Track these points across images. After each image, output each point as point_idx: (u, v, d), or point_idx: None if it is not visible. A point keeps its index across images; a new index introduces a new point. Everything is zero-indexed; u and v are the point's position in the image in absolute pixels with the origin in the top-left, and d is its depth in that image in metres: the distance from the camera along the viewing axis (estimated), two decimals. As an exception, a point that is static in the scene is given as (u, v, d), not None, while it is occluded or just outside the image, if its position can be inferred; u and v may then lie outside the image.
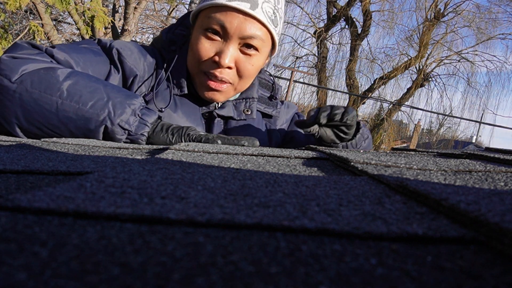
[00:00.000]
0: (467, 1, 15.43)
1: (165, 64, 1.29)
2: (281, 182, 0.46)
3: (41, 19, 5.70)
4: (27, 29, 5.57)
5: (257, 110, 1.42)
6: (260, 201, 0.35)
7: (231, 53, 1.21)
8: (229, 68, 1.23)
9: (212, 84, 1.24)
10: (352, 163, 0.64)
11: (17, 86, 0.99)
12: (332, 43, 16.23)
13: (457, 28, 15.59)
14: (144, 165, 0.53)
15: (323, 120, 1.18)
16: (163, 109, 1.23)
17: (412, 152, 1.01)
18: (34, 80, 1.00)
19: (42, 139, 0.93)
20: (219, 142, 1.01)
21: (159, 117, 1.12)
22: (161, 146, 0.93)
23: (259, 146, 1.03)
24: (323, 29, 15.22)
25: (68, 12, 5.50)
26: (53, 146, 0.84)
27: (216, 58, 1.21)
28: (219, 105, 1.33)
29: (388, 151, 1.01)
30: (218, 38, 1.21)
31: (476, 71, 16.76)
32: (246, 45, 1.22)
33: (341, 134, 1.26)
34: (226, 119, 1.34)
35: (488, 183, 0.56)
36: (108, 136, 1.02)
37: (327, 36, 15.62)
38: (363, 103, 15.79)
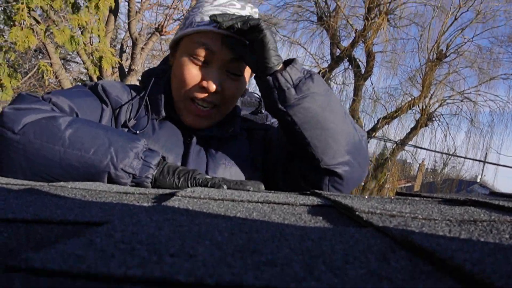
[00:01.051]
0: (469, 42, 15.65)
1: (143, 93, 1.31)
2: (287, 235, 0.46)
3: (50, 59, 5.82)
4: (36, 68, 5.69)
5: (245, 129, 1.39)
6: (267, 259, 0.35)
7: (219, 77, 1.22)
8: (216, 92, 1.23)
9: (198, 110, 1.25)
10: (357, 213, 0.64)
11: (20, 137, 1.01)
12: (336, 83, 16.41)
13: (460, 69, 15.77)
14: (151, 215, 0.54)
15: (225, 23, 1.11)
16: (138, 132, 1.23)
17: (417, 198, 1.01)
18: (36, 130, 1.02)
19: (50, 184, 0.94)
20: (225, 187, 1.01)
21: (163, 157, 1.12)
22: (168, 191, 0.93)
23: (264, 191, 1.03)
24: (327, 69, 15.43)
25: (77, 52, 5.63)
26: (61, 191, 0.84)
27: (204, 83, 1.21)
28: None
29: (392, 197, 1.01)
30: (205, 63, 1.22)
31: (479, 111, 16.78)
32: (231, 69, 1.24)
33: (262, 58, 1.13)
34: (208, 138, 1.32)
35: (493, 235, 0.56)
36: (113, 181, 1.03)
37: (331, 76, 15.82)
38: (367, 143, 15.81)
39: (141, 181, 1.04)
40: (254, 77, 1.22)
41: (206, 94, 1.23)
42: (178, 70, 1.24)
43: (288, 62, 1.16)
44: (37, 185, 0.93)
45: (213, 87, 1.20)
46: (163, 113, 1.29)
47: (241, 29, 1.12)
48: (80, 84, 1.37)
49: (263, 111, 1.44)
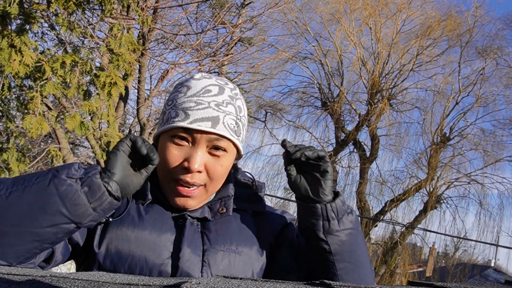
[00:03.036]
0: (472, 125, 15.89)
1: None
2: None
3: (59, 143, 5.92)
4: (45, 152, 5.76)
5: (240, 209, 1.33)
6: None
7: (200, 157, 1.19)
8: (199, 172, 1.20)
9: (183, 190, 1.21)
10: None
11: None
12: (342, 166, 16.48)
13: (464, 151, 15.88)
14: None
15: (296, 152, 1.17)
16: (110, 219, 1.18)
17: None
18: None
19: (51, 274, 0.90)
20: None
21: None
22: (172, 282, 0.88)
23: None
24: (332, 152, 15.57)
25: (86, 137, 5.73)
26: (63, 282, 0.81)
27: (186, 163, 1.19)
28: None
29: (404, 286, 0.95)
30: (186, 143, 1.20)
31: (487, 193, 16.67)
32: (214, 147, 1.21)
33: (317, 186, 1.20)
34: (202, 220, 1.27)
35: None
36: (62, 195, 0.99)
37: (336, 159, 15.94)
38: (375, 226, 15.57)
39: (90, 180, 1.01)
40: (297, 200, 1.24)
41: (189, 175, 1.20)
42: (161, 152, 1.22)
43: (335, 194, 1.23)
44: (38, 276, 0.89)
45: (195, 167, 1.18)
46: (149, 197, 1.25)
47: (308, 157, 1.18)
48: None
49: (260, 194, 1.39)
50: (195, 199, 1.24)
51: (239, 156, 1.31)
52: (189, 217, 1.25)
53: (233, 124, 1.22)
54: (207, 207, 1.28)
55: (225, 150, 1.22)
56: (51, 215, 0.99)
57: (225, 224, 1.29)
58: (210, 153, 1.22)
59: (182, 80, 1.31)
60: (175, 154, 1.20)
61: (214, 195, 1.32)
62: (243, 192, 1.36)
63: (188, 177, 1.20)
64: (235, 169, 1.39)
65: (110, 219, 1.18)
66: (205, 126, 1.17)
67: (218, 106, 1.20)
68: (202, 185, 1.22)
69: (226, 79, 1.31)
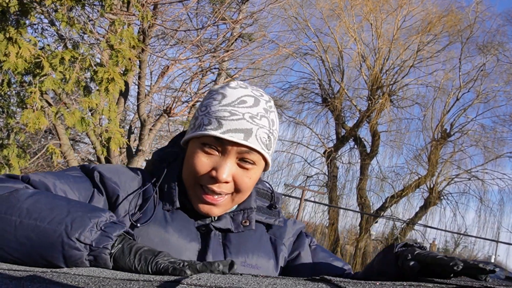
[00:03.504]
0: (472, 121, 15.88)
1: (154, 180, 1.25)
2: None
3: (60, 139, 5.91)
4: (45, 148, 5.76)
5: (259, 222, 1.33)
6: None
7: (229, 168, 1.18)
8: (226, 182, 1.19)
9: (209, 198, 1.20)
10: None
11: None
12: (342, 163, 16.49)
13: (465, 147, 15.88)
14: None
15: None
16: (139, 225, 1.15)
17: (430, 285, 0.94)
18: None
19: (52, 270, 0.89)
20: (188, 272, 0.90)
21: (131, 235, 1.01)
22: (172, 278, 0.87)
23: (237, 268, 0.95)
24: (332, 149, 15.57)
25: (86, 133, 5.72)
26: (64, 278, 0.80)
27: (214, 173, 1.18)
28: (216, 218, 1.26)
29: (405, 283, 0.95)
30: (216, 153, 1.19)
31: (488, 189, 16.67)
32: (243, 159, 1.20)
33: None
34: (224, 231, 1.26)
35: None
36: (67, 257, 0.91)
37: (337, 155, 15.94)
38: (376, 222, 15.58)
39: (98, 253, 0.92)
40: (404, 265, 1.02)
41: (217, 184, 1.19)
42: (190, 157, 1.22)
43: None
44: (39, 271, 0.88)
45: (223, 177, 1.17)
46: (177, 204, 1.23)
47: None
48: (76, 166, 1.28)
49: (277, 206, 1.39)
50: (220, 207, 1.23)
51: (266, 168, 1.30)
52: (213, 227, 1.24)
53: (265, 137, 1.21)
54: (230, 217, 1.28)
55: (254, 163, 1.22)
56: (49, 263, 0.95)
57: (245, 237, 1.28)
58: (239, 165, 1.21)
59: (217, 87, 1.28)
60: (204, 162, 1.19)
61: (237, 205, 1.31)
62: (261, 204, 1.36)
63: (215, 187, 1.19)
64: None
65: (138, 225, 1.16)
66: (237, 137, 1.16)
67: (252, 118, 1.19)
68: (228, 193, 1.22)
69: (261, 90, 1.29)
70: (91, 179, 1.20)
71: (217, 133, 1.17)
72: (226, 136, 1.16)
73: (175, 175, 1.26)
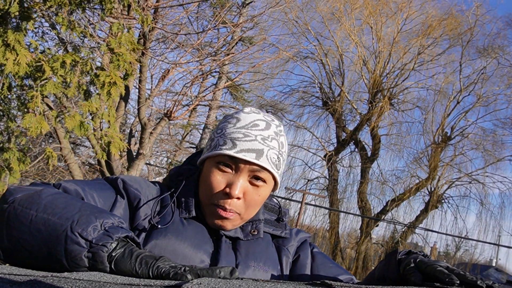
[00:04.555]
0: (473, 124, 15.88)
1: (173, 190, 1.34)
2: None
3: (60, 143, 5.92)
4: (45, 152, 5.77)
5: (266, 232, 1.42)
6: None
7: (241, 185, 1.28)
8: (238, 198, 1.28)
9: (222, 212, 1.28)
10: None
11: (8, 206, 1.05)
12: (343, 166, 16.48)
13: (465, 151, 15.87)
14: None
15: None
16: (159, 226, 1.25)
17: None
18: (23, 199, 1.06)
19: (52, 274, 0.90)
20: (189, 277, 0.91)
21: (136, 243, 1.04)
22: (173, 282, 0.87)
23: (238, 275, 0.97)
24: (333, 152, 15.58)
25: (87, 137, 5.73)
26: (64, 283, 0.80)
27: (227, 189, 1.27)
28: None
29: (405, 286, 0.94)
30: (230, 170, 1.29)
31: (488, 193, 16.64)
32: (255, 177, 1.30)
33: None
34: (234, 240, 1.36)
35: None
36: (68, 252, 0.96)
37: (337, 159, 15.94)
38: (376, 226, 15.56)
39: (96, 250, 0.96)
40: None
41: (229, 201, 1.27)
42: (206, 176, 1.31)
43: None
44: (39, 276, 0.88)
45: (235, 193, 1.26)
46: (194, 213, 1.32)
47: None
48: (101, 178, 1.40)
49: (284, 219, 1.48)
50: (231, 221, 1.31)
51: (275, 188, 1.40)
52: (223, 235, 1.33)
53: (275, 158, 1.32)
54: (239, 228, 1.37)
55: (264, 181, 1.31)
56: (52, 258, 0.99)
57: (253, 245, 1.37)
58: (250, 182, 1.31)
59: (232, 112, 1.41)
60: (219, 179, 1.29)
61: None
62: (269, 217, 1.46)
63: (227, 203, 1.28)
64: None
65: (159, 226, 1.26)
66: (250, 157, 1.26)
67: (264, 140, 1.30)
68: (237, 213, 1.30)
69: (272, 116, 1.41)
70: (115, 187, 1.31)
71: (231, 152, 1.27)
72: (240, 155, 1.26)
73: (191, 189, 1.36)
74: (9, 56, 3.48)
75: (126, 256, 0.97)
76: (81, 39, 4.64)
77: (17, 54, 3.52)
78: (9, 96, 4.65)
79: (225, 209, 1.28)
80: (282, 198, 16.88)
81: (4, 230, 1.03)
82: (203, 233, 1.32)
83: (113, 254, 0.97)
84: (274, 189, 1.40)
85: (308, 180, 16.61)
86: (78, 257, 0.96)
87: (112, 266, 0.97)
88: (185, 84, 6.95)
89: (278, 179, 1.37)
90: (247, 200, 1.30)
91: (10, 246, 1.03)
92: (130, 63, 4.24)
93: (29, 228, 1.00)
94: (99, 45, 4.57)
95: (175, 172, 1.42)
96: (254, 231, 1.38)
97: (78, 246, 0.96)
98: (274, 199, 1.52)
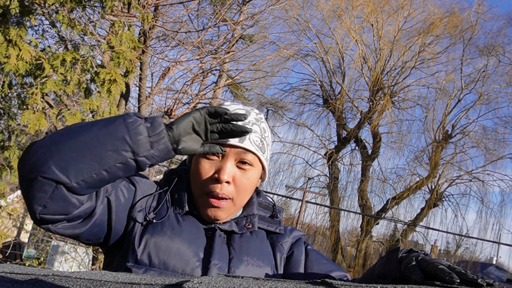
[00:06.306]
0: (474, 123, 15.88)
1: (166, 188, 1.41)
2: None
3: (61, 142, 5.89)
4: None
5: (261, 228, 1.46)
6: None
7: (229, 169, 1.33)
8: (228, 183, 1.34)
9: (214, 201, 1.33)
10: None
11: (44, 136, 1.14)
12: (343, 164, 16.49)
13: (466, 149, 15.87)
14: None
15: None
16: (154, 221, 1.32)
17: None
18: (57, 131, 1.15)
19: (54, 274, 0.90)
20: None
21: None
22: (174, 282, 0.87)
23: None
24: (333, 150, 15.58)
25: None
26: (65, 282, 0.80)
27: (216, 175, 1.33)
28: (221, 223, 1.40)
29: (406, 286, 0.94)
30: (216, 158, 1.35)
31: (489, 191, 16.66)
32: (241, 161, 1.35)
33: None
34: (229, 233, 1.40)
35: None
36: (131, 126, 1.12)
37: (338, 157, 15.94)
38: (377, 224, 15.57)
39: (154, 118, 1.15)
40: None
41: (219, 186, 1.33)
42: (195, 167, 1.37)
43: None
44: (41, 275, 0.88)
45: (224, 177, 1.31)
46: (187, 208, 1.38)
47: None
48: None
49: (279, 216, 1.52)
50: (224, 210, 1.36)
51: (264, 175, 1.45)
52: (218, 229, 1.38)
53: (258, 141, 1.38)
54: (234, 222, 1.42)
55: (251, 165, 1.37)
56: (115, 139, 1.11)
57: (248, 240, 1.41)
58: (238, 167, 1.36)
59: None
60: (206, 167, 1.35)
61: (240, 211, 1.45)
62: (264, 214, 1.51)
63: (218, 188, 1.33)
64: (257, 192, 1.51)
65: (154, 220, 1.32)
66: (233, 141, 1.32)
67: (245, 125, 1.32)
68: (230, 198, 1.35)
69: (252, 107, 1.48)
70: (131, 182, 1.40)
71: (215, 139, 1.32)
72: (223, 140, 1.31)
73: (184, 186, 1.42)
74: (12, 51, 3.48)
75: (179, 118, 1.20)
76: (81, 37, 4.63)
77: (20, 50, 3.52)
78: (9, 94, 4.64)
79: (217, 197, 1.32)
80: (283, 196, 16.90)
81: (52, 148, 1.09)
82: (198, 228, 1.37)
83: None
84: (263, 177, 1.46)
85: (309, 178, 16.63)
86: (139, 126, 1.12)
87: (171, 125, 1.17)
88: (186, 82, 6.94)
89: (265, 163, 1.42)
90: (237, 185, 1.35)
91: (65, 162, 1.08)
92: (131, 60, 4.24)
93: (79, 132, 1.12)
94: (100, 43, 4.57)
95: (169, 172, 1.50)
96: (248, 225, 1.42)
97: (136, 120, 1.13)
98: (268, 197, 1.57)
